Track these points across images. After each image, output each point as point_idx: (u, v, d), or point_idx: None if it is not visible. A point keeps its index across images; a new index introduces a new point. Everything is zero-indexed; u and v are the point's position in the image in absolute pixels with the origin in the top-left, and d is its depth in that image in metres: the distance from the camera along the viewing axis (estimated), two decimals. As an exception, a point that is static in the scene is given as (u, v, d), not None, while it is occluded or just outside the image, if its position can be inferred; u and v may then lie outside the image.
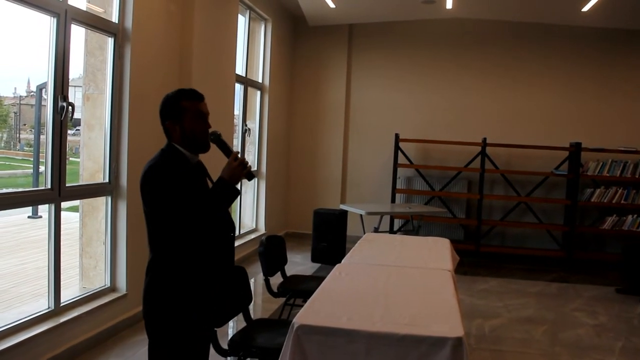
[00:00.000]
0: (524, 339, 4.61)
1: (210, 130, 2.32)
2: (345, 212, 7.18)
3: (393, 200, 8.09)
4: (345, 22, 8.26)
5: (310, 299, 2.87)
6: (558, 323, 5.13)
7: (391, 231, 7.96)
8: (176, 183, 2.17)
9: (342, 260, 3.84)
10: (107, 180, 4.24)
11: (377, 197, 8.43)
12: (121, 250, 4.34)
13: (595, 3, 6.30)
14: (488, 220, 8.02)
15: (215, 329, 2.69)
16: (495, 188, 8.15)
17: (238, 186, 2.30)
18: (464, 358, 2.32)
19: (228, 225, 2.44)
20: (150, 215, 2.25)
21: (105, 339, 4.07)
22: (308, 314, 2.57)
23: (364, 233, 7.05)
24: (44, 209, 8.21)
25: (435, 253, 4.19)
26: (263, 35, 7.48)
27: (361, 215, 6.89)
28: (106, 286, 4.32)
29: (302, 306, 4.45)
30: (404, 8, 7.47)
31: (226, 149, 2.35)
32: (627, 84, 7.87)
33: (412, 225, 7.65)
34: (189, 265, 2.25)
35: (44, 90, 5.63)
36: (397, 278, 3.36)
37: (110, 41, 4.16)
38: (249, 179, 2.34)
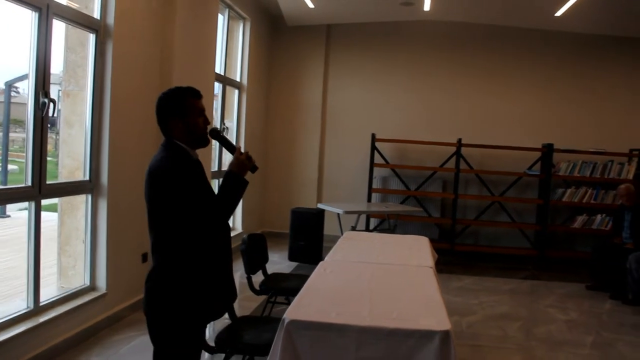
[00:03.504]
0: (500, 334, 4.72)
1: (209, 127, 2.37)
2: (322, 211, 7.21)
3: (369, 200, 8.17)
4: (324, 22, 8.30)
5: (298, 295, 2.89)
6: (532, 319, 5.27)
7: (367, 230, 8.03)
8: (190, 181, 2.21)
9: (325, 258, 3.88)
10: (87, 178, 4.19)
11: (353, 197, 8.49)
12: (101, 249, 4.30)
13: (568, 8, 6.49)
14: (462, 219, 8.16)
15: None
16: (469, 188, 8.30)
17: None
18: (452, 350, 2.38)
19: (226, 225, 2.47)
20: (159, 214, 2.24)
21: (86, 339, 4.02)
22: (298, 310, 2.60)
23: (341, 232, 7.11)
24: (11, 208, 8.03)
25: (416, 251, 4.26)
26: (242, 34, 7.47)
27: (338, 214, 6.93)
28: (85, 285, 4.27)
29: (283, 304, 4.53)
30: (383, 9, 7.55)
31: (228, 143, 2.42)
32: (597, 88, 8.10)
33: (388, 224, 7.73)
34: (195, 267, 2.26)
35: (19, 87, 5.52)
36: (381, 275, 3.42)
37: (91, 37, 4.11)
38: (253, 172, 2.40)
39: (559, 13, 6.70)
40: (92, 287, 4.30)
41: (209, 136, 2.39)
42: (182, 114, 2.30)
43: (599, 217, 7.67)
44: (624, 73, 8.03)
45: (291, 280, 4.49)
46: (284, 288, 4.23)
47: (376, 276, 3.36)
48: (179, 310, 2.24)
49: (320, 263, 3.67)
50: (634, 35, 7.77)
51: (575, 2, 6.23)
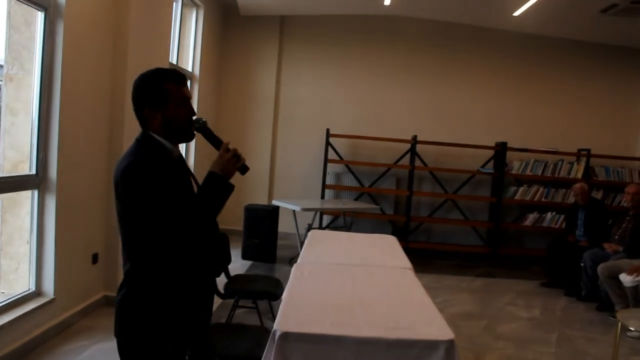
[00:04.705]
0: (468, 334, 4.67)
1: (194, 118, 2.01)
2: (277, 208, 6.98)
3: (322, 196, 8.01)
4: (279, 12, 8.04)
5: (283, 303, 2.67)
6: (495, 317, 5.26)
7: (321, 228, 7.86)
8: (166, 182, 1.84)
9: (298, 259, 3.68)
10: (33, 171, 3.78)
11: (306, 193, 8.28)
12: (49, 250, 3.89)
13: (525, 10, 6.55)
14: (415, 216, 8.14)
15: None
16: (423, 185, 8.29)
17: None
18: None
19: (215, 226, 2.16)
20: (130, 219, 1.88)
21: (32, 349, 3.62)
22: (288, 321, 2.38)
23: (297, 230, 6.92)
24: None
25: (389, 251, 4.13)
26: (194, 22, 7.10)
27: (294, 211, 6.73)
28: (30, 290, 3.86)
29: (247, 308, 4.29)
30: (342, 1, 7.38)
31: (214, 138, 2.04)
32: (551, 89, 8.27)
33: (344, 222, 7.59)
34: (176, 275, 1.92)
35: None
36: (364, 278, 3.25)
37: (40, 16, 3.70)
38: (243, 173, 2.04)
39: (516, 13, 6.76)
40: (38, 293, 3.89)
41: (193, 129, 2.02)
42: (160, 103, 1.92)
43: (549, 214, 7.85)
44: (575, 75, 8.23)
45: (256, 282, 4.25)
46: (251, 291, 3.99)
47: (358, 279, 3.19)
48: (154, 331, 1.90)
49: (295, 265, 3.47)
50: (585, 39, 7.98)
51: (533, 3, 6.30)
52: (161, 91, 1.93)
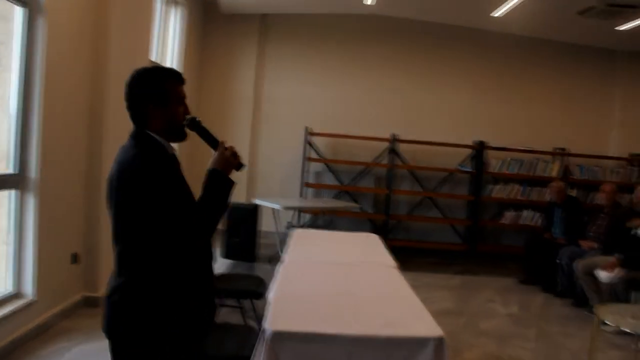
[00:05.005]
0: (449, 331, 4.68)
1: (188, 117, 1.98)
2: (257, 207, 6.96)
3: (301, 195, 8.01)
4: (260, 11, 8.01)
5: (272, 302, 2.67)
6: (476, 314, 5.33)
7: (300, 226, 7.86)
8: (173, 182, 1.84)
9: (284, 259, 3.67)
10: (12, 170, 3.70)
11: (285, 192, 8.25)
12: (28, 250, 3.82)
13: (505, 10, 6.65)
14: (394, 214, 8.19)
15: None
16: (401, 183, 8.34)
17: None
18: (445, 356, 2.29)
19: None
20: (135, 220, 1.82)
21: (11, 352, 3.55)
22: (278, 319, 2.38)
23: (277, 229, 6.92)
24: None
25: (374, 249, 4.17)
26: (175, 19, 7.03)
27: (274, 210, 6.73)
28: (9, 292, 3.78)
29: (232, 307, 4.28)
30: (323, 0, 7.39)
31: (209, 137, 2.02)
32: (528, 89, 8.40)
33: (323, 220, 7.61)
34: (178, 276, 1.88)
35: None
36: (350, 276, 3.27)
37: (19, 11, 3.62)
38: (238, 170, 2.02)
39: (496, 14, 6.84)
40: (17, 294, 3.82)
41: (186, 128, 1.99)
42: (163, 101, 1.91)
43: (525, 212, 7.98)
44: (552, 75, 8.38)
45: (240, 281, 4.25)
46: (235, 290, 3.97)
47: (345, 278, 3.21)
48: (152, 331, 1.85)
49: (281, 264, 3.46)
50: (562, 40, 8.13)
51: (511, 5, 6.39)
52: (163, 90, 1.92)
